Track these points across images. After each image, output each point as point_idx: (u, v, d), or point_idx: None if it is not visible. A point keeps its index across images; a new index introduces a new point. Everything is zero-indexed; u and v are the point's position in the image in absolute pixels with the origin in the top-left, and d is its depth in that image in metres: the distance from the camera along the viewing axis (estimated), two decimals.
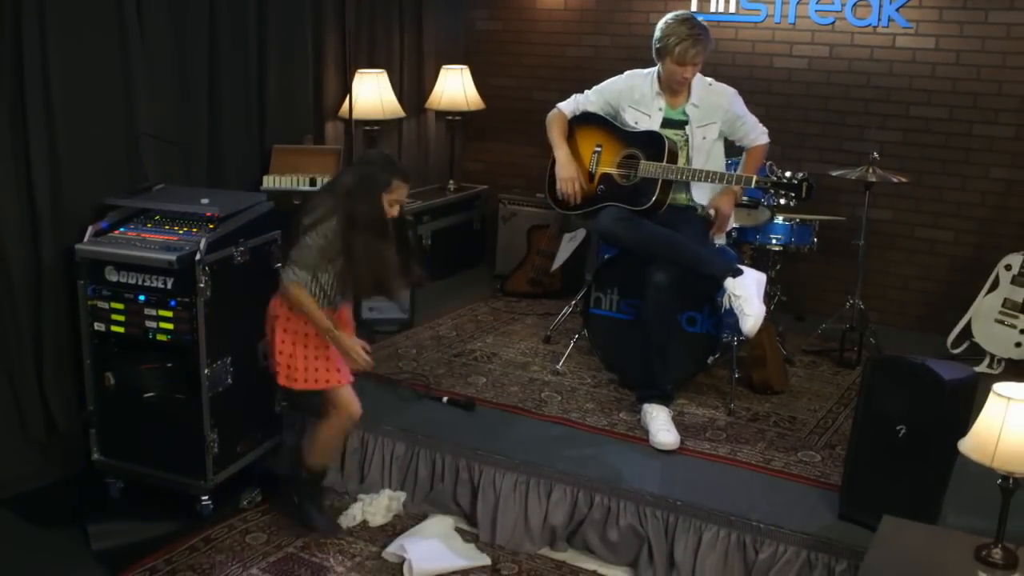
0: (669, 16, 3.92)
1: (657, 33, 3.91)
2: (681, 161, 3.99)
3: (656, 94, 4.04)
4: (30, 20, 3.49)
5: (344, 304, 3.43)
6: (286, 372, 3.33)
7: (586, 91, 4.26)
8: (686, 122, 4.02)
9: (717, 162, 4.11)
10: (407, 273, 3.44)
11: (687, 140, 4.02)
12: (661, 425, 3.70)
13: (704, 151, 4.03)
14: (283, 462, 3.75)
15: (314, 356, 3.32)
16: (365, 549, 3.42)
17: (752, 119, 4.13)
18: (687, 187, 4.03)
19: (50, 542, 3.42)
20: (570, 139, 4.22)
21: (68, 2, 3.61)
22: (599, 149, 4.14)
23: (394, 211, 3.32)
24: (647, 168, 3.94)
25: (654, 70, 4.05)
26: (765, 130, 4.14)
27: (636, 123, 4.07)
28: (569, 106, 4.26)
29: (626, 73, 4.17)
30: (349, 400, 3.41)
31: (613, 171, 4.08)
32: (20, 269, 3.60)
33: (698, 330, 4.08)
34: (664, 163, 3.90)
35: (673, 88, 3.99)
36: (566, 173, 4.11)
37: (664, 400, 3.83)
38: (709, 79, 4.07)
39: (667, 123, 4.03)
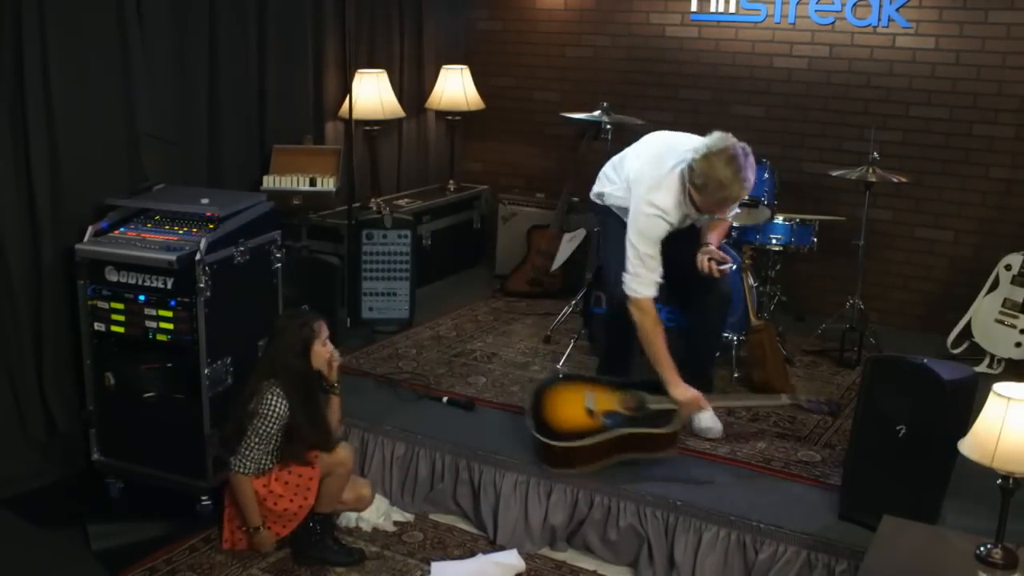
0: (716, 151, 3.33)
1: (700, 173, 3.37)
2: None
3: (684, 215, 3.59)
4: (30, 20, 3.49)
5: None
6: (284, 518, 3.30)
7: (639, 248, 3.52)
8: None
9: None
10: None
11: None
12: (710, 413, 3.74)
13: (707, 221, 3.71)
14: None
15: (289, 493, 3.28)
16: (365, 549, 3.42)
17: None
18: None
19: (50, 542, 3.41)
20: (553, 395, 3.65)
21: (68, 2, 3.61)
22: (591, 393, 3.63)
23: (327, 349, 3.32)
24: (660, 401, 3.53)
25: (678, 193, 3.52)
26: (738, 210, 3.81)
27: None
28: (651, 289, 3.56)
29: (654, 213, 3.51)
30: (335, 461, 3.34)
31: (619, 408, 3.56)
32: (20, 269, 3.60)
33: None
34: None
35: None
36: (690, 399, 3.53)
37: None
38: None
39: None
